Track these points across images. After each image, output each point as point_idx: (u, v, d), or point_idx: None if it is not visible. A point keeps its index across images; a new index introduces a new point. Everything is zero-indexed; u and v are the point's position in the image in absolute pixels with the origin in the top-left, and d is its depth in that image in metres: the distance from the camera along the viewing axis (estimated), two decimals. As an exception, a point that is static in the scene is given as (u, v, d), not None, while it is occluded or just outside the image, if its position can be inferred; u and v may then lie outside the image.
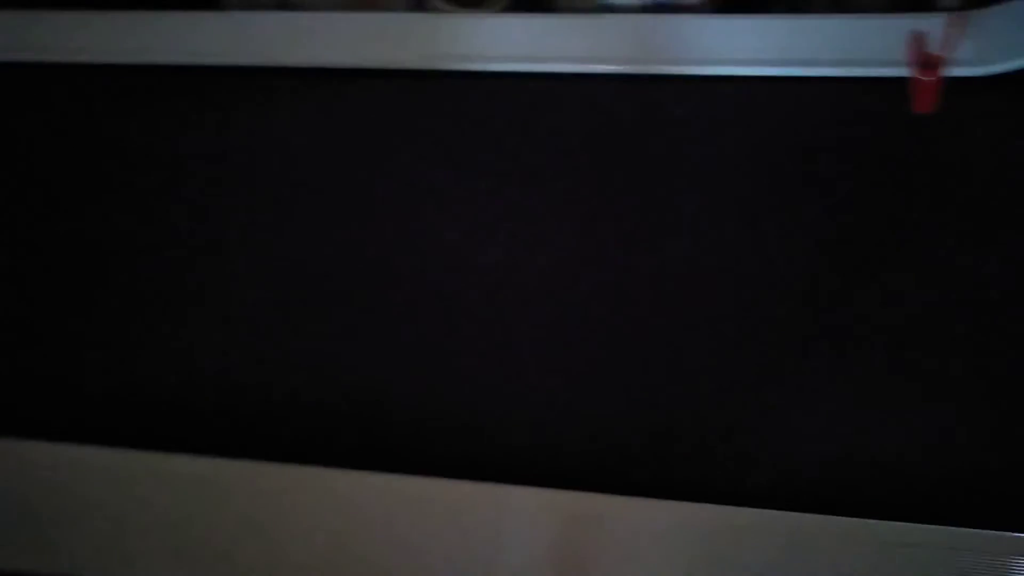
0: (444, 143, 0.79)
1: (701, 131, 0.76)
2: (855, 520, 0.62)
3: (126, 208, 0.82)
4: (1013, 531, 0.61)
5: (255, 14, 0.89)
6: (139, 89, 0.87)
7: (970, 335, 0.68)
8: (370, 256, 0.77)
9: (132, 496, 0.68)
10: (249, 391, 0.72)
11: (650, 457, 0.67)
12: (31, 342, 0.76)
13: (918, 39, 0.60)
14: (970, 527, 0.61)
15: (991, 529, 0.61)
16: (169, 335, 0.75)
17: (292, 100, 0.84)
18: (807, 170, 0.72)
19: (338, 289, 0.77)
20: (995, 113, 0.70)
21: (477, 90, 0.81)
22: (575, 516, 0.64)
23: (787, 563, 0.61)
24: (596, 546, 0.63)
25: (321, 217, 0.79)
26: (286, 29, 0.85)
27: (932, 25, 0.69)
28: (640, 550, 0.63)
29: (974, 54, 0.70)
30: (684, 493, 0.64)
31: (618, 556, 0.63)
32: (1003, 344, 0.67)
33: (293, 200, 0.81)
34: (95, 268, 0.79)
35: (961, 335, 0.68)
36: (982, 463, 0.64)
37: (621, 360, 0.70)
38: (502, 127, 0.79)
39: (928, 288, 0.69)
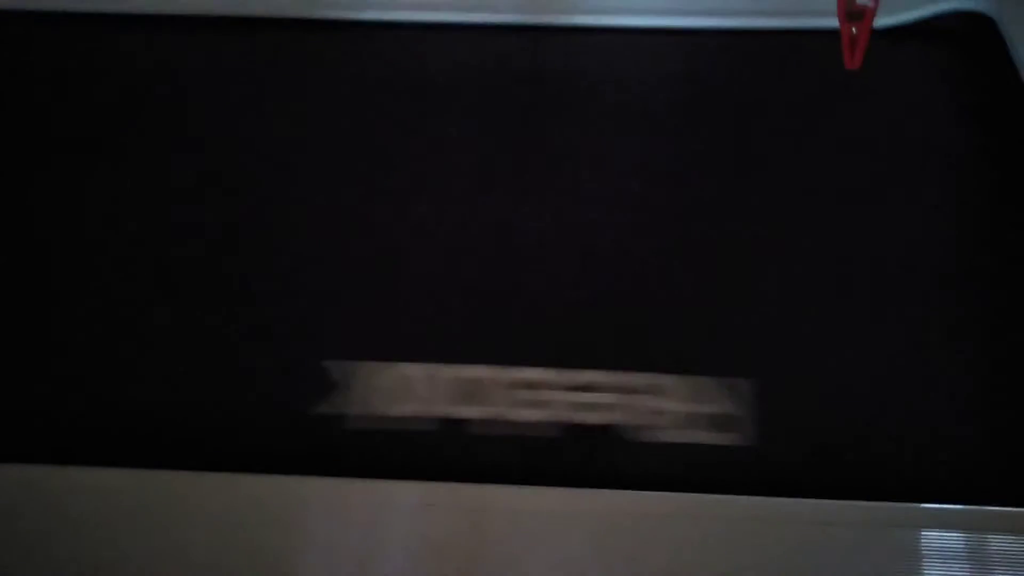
0: (332, 96, 0.72)
1: (616, 84, 0.72)
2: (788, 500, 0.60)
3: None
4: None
5: None
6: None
7: (896, 283, 0.66)
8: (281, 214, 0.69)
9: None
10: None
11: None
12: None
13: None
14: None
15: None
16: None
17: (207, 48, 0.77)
18: (730, 123, 0.70)
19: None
20: (903, 62, 0.69)
21: (364, 40, 0.75)
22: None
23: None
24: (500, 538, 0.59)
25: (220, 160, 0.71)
26: None
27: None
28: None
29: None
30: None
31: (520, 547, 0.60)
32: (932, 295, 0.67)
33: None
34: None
35: (889, 283, 0.66)
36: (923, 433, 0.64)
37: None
38: (393, 80, 0.72)
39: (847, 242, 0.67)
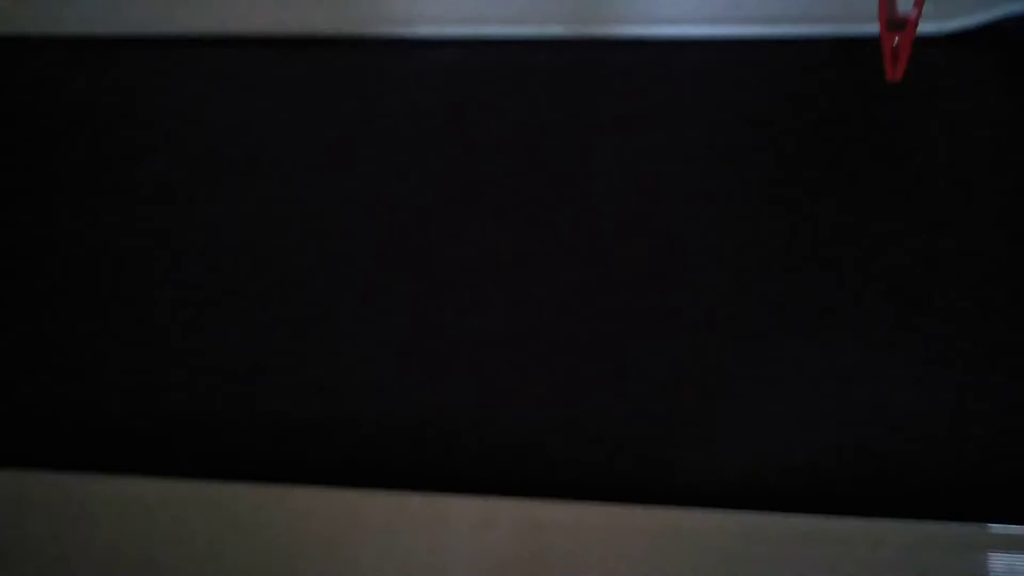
0: (378, 113, 0.73)
1: (650, 96, 0.71)
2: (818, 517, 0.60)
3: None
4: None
5: None
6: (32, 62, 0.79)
7: (934, 310, 0.65)
8: (303, 230, 0.72)
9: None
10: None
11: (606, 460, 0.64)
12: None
13: (888, 0, 0.56)
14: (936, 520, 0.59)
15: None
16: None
17: (210, 72, 0.77)
18: (765, 136, 0.69)
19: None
20: (956, 71, 0.67)
21: (407, 56, 0.75)
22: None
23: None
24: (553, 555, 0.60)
25: (244, 192, 0.73)
26: None
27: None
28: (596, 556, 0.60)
29: (932, 10, 0.67)
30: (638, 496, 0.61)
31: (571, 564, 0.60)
32: (971, 320, 0.65)
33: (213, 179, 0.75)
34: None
35: (925, 310, 0.65)
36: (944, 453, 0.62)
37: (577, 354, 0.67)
38: (437, 95, 0.74)
39: (889, 262, 0.66)
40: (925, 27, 0.67)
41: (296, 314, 0.69)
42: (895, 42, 0.55)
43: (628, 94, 0.71)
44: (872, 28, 0.60)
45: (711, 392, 0.64)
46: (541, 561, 0.61)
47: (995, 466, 0.61)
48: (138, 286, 0.72)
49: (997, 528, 0.59)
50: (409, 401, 0.67)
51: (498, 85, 0.73)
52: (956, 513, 0.59)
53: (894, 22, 0.55)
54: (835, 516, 0.59)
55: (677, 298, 0.67)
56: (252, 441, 0.67)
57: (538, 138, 0.71)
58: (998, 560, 0.57)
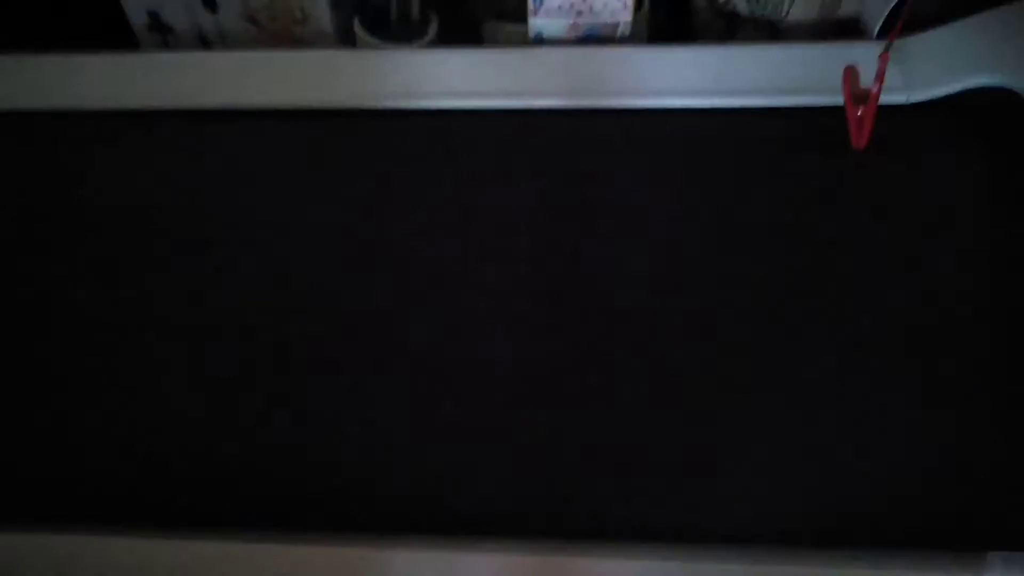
0: (376, 182, 0.77)
1: (637, 163, 0.75)
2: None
3: (46, 260, 0.77)
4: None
5: (179, 54, 0.86)
6: (59, 135, 0.82)
7: (910, 359, 0.67)
8: (301, 290, 0.74)
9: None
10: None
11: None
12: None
13: (852, 74, 0.60)
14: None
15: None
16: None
17: (218, 142, 0.81)
18: (746, 201, 0.72)
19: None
20: (922, 139, 0.70)
21: (408, 127, 0.79)
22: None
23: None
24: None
25: (250, 258, 0.76)
26: (211, 69, 0.82)
27: (863, 54, 0.70)
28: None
29: (901, 81, 0.71)
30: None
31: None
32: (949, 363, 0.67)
33: (220, 243, 0.77)
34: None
35: (901, 361, 0.67)
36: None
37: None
38: (435, 164, 0.77)
39: (868, 312, 0.68)
40: (894, 97, 0.70)
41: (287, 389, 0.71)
42: (859, 113, 0.59)
43: (614, 159, 0.75)
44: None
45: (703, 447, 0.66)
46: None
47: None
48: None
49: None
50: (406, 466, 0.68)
51: (500, 153, 0.77)
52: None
53: (857, 96, 0.59)
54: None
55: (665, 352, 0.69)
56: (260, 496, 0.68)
57: (536, 202, 0.75)
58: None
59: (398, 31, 0.86)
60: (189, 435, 0.68)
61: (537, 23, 0.79)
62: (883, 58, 0.58)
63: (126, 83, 0.82)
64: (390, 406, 0.67)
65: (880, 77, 0.58)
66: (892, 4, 0.74)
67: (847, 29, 0.81)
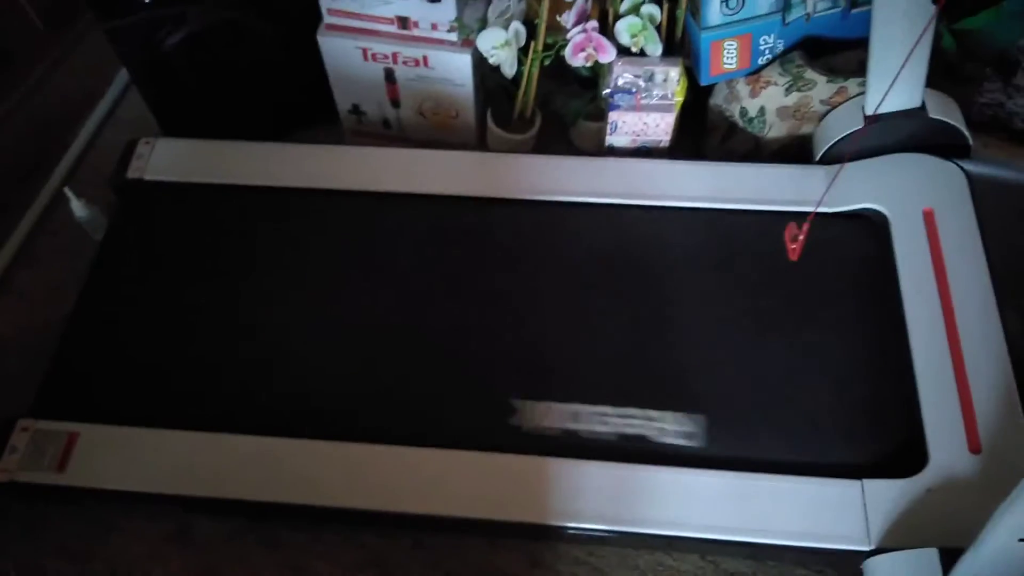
0: (495, 256, 1.16)
1: (661, 245, 1.15)
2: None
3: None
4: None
5: (372, 149, 1.26)
6: (272, 207, 1.20)
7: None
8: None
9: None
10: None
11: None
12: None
13: (791, 227, 1.07)
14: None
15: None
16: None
17: (399, 218, 1.18)
18: (735, 274, 1.14)
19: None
20: (838, 236, 1.17)
21: (512, 214, 1.17)
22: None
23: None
24: None
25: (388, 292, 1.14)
26: (393, 162, 1.23)
27: (812, 175, 1.17)
28: None
29: (828, 198, 1.18)
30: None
31: None
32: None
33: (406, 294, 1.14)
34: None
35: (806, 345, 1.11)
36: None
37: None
38: (531, 243, 1.16)
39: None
40: (824, 208, 1.18)
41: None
42: (793, 245, 1.08)
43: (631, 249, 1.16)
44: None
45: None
46: None
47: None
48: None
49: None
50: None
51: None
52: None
53: (793, 235, 1.07)
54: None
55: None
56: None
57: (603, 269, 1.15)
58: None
59: (516, 124, 1.32)
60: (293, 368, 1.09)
61: (611, 139, 1.25)
62: (805, 227, 1.04)
63: (328, 167, 1.23)
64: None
65: (804, 232, 1.05)
66: (833, 141, 1.20)
67: (805, 143, 1.27)
